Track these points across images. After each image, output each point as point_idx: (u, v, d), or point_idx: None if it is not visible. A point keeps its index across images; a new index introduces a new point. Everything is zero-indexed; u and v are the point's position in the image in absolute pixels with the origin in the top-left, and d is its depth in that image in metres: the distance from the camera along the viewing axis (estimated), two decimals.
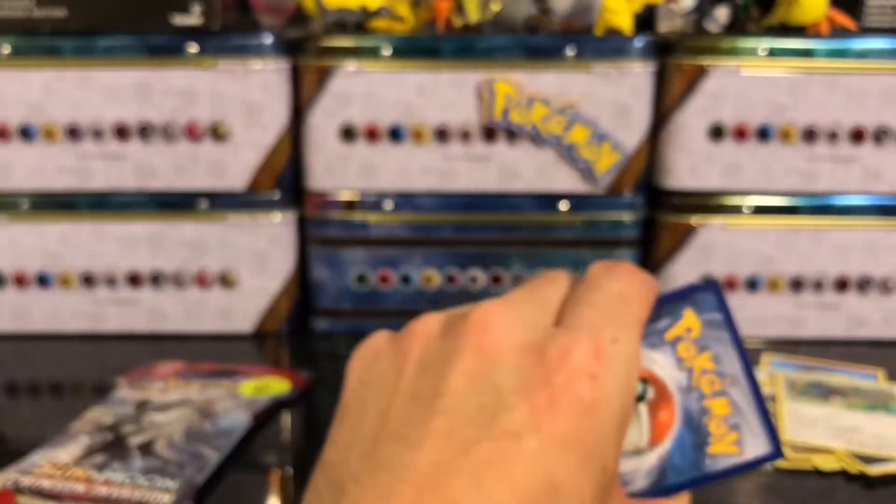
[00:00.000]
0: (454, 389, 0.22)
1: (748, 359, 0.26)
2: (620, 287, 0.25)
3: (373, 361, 0.25)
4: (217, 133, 0.70)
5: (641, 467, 0.26)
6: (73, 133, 0.70)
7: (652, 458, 0.26)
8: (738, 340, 0.26)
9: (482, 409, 0.22)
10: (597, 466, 0.22)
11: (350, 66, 0.69)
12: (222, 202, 0.71)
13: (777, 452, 0.25)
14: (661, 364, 0.26)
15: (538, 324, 0.24)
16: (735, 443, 0.26)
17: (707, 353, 0.26)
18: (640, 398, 0.26)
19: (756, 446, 0.25)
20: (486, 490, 0.21)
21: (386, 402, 0.23)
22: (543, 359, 0.22)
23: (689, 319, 0.27)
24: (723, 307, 0.27)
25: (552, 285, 0.26)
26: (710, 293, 0.27)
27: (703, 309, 0.27)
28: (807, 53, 0.68)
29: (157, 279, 0.72)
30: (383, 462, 0.22)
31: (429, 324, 0.25)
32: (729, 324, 0.26)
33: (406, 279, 0.73)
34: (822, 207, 0.71)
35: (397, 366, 0.24)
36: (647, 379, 0.26)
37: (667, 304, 0.27)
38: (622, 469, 0.25)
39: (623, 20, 0.69)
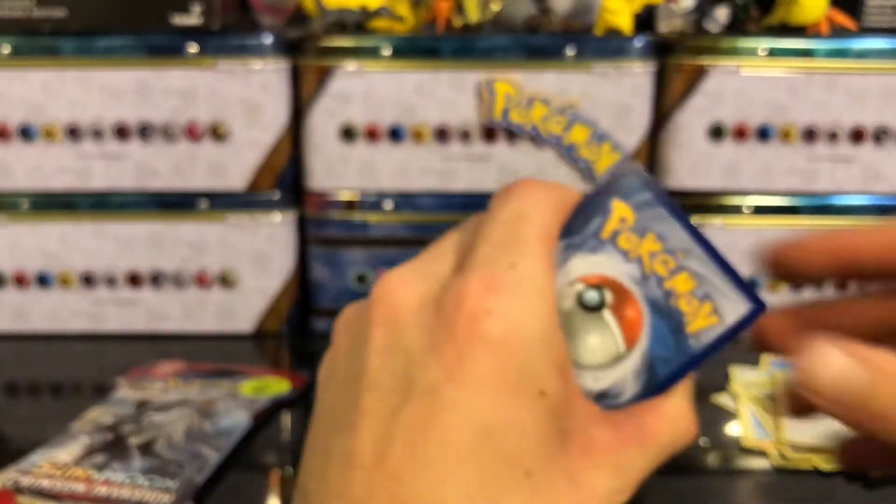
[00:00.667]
0: (372, 366, 0.23)
1: (693, 226, 0.25)
2: (516, 206, 0.25)
3: (327, 364, 0.26)
4: (217, 133, 0.70)
5: (627, 373, 0.25)
6: (73, 133, 0.70)
7: (635, 360, 0.25)
8: (676, 211, 0.25)
9: (399, 377, 0.22)
10: (530, 395, 0.22)
11: (350, 66, 0.69)
12: (222, 202, 0.71)
13: (759, 306, 0.24)
14: (608, 264, 0.25)
15: (436, 277, 0.24)
16: (712, 313, 0.24)
17: (649, 235, 0.25)
18: (600, 306, 0.25)
19: (735, 308, 0.24)
20: (420, 453, 0.21)
21: (331, 397, 0.24)
22: (441, 311, 0.23)
23: (620, 209, 0.25)
24: (649, 185, 0.25)
25: (456, 233, 0.26)
26: (631, 176, 0.25)
27: (630, 194, 0.25)
28: (807, 53, 0.68)
29: (156, 279, 0.72)
30: (332, 454, 0.23)
31: (347, 313, 0.26)
32: (661, 198, 0.25)
33: None
34: (822, 207, 0.71)
35: (334, 360, 0.25)
36: (599, 284, 0.25)
37: (592, 204, 0.25)
38: (607, 383, 0.25)
39: (623, 20, 0.69)
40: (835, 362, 0.23)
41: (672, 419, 0.24)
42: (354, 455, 0.22)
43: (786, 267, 0.28)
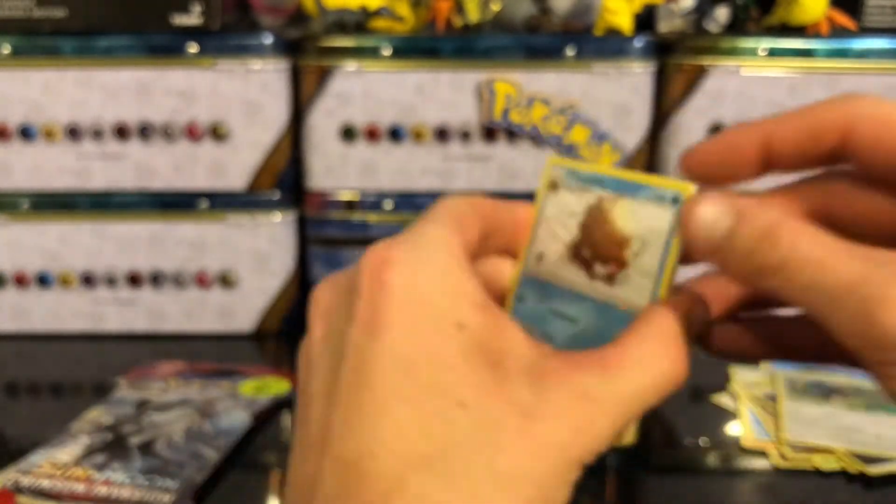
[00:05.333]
0: (315, 355, 0.25)
1: None
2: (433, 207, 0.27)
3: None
4: (217, 133, 0.70)
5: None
6: (73, 133, 0.70)
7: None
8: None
9: (334, 355, 0.24)
10: (446, 329, 0.23)
11: (350, 66, 0.69)
12: (222, 202, 0.71)
13: None
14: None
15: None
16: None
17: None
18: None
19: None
20: (355, 411, 0.22)
21: (298, 398, 0.26)
22: (353, 286, 0.24)
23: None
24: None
25: None
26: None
27: None
28: (807, 53, 0.68)
29: (157, 279, 0.72)
30: (294, 447, 0.24)
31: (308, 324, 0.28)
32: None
33: None
34: None
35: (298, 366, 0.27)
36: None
37: None
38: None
39: (623, 20, 0.69)
40: (707, 207, 0.26)
41: (639, 357, 0.25)
42: (305, 440, 0.24)
43: (712, 169, 0.28)
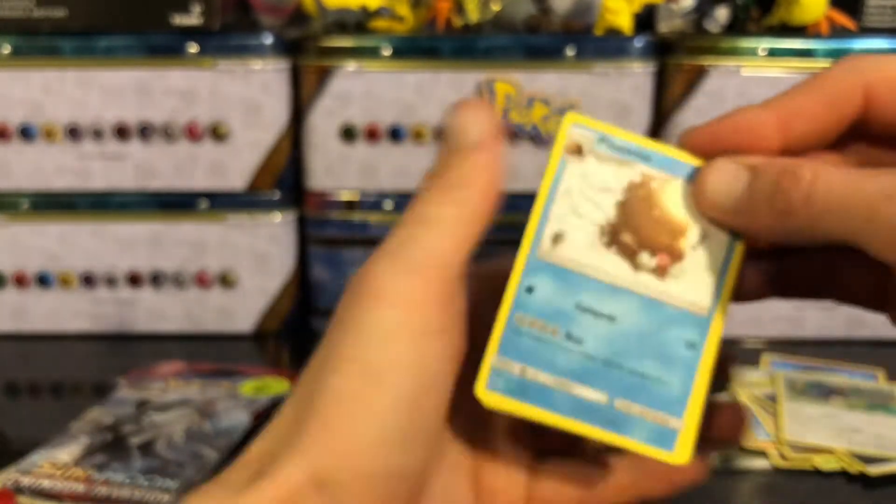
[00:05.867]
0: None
1: None
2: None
3: None
4: (217, 133, 0.70)
5: None
6: (73, 133, 0.70)
7: None
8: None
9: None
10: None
11: (350, 66, 0.69)
12: (222, 202, 0.71)
13: None
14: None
15: None
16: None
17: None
18: None
19: None
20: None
21: None
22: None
23: None
24: None
25: None
26: None
27: None
28: (807, 53, 0.68)
29: (157, 279, 0.72)
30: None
31: None
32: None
33: None
34: None
35: None
36: None
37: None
38: None
39: (623, 20, 0.69)
40: (720, 170, 0.24)
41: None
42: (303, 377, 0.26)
43: (719, 151, 0.26)
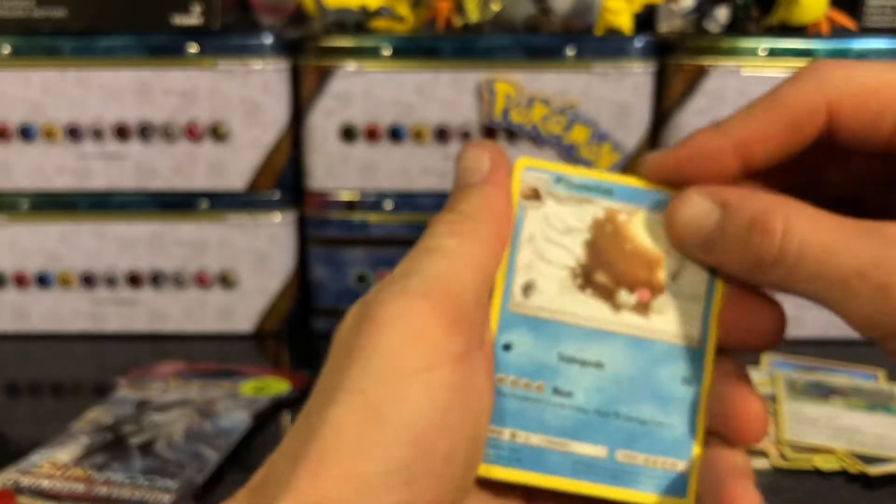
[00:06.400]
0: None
1: None
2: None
3: None
4: (217, 133, 0.70)
5: None
6: (73, 133, 0.70)
7: None
8: None
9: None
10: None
11: (350, 66, 0.69)
12: (222, 202, 0.71)
13: None
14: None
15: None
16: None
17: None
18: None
19: None
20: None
21: None
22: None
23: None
24: None
25: None
26: None
27: None
28: (807, 53, 0.68)
29: (157, 279, 0.72)
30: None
31: None
32: None
33: None
34: None
35: None
36: None
37: None
38: None
39: (623, 20, 0.69)
40: (691, 203, 0.24)
41: None
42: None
43: (678, 177, 0.25)
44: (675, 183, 0.25)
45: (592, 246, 0.24)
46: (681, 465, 0.24)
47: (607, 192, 0.24)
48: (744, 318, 0.25)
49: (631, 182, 0.25)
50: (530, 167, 0.25)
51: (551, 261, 0.24)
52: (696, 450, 0.24)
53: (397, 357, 0.22)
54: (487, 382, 0.24)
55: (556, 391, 0.24)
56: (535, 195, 0.25)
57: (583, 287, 0.24)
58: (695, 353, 0.24)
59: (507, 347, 0.24)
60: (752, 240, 0.22)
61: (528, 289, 0.24)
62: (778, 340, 0.25)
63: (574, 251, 0.24)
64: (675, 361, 0.24)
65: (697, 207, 0.24)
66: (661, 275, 0.24)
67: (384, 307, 0.23)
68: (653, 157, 0.25)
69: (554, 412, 0.24)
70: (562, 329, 0.24)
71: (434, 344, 0.22)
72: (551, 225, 0.24)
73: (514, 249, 0.24)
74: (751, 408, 0.24)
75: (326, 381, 0.24)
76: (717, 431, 0.25)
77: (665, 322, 0.24)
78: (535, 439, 0.24)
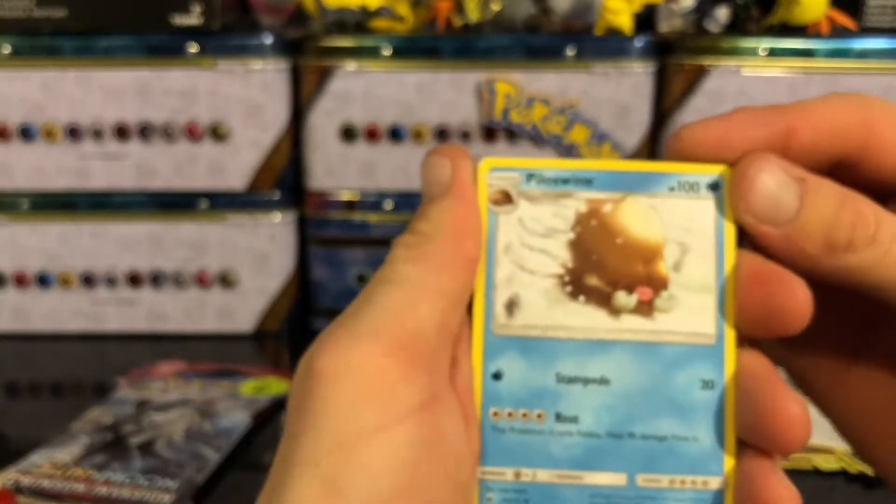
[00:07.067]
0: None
1: None
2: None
3: None
4: (217, 133, 0.70)
5: None
6: (73, 133, 0.70)
7: None
8: None
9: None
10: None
11: (350, 66, 0.69)
12: (222, 202, 0.71)
13: None
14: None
15: None
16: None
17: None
18: None
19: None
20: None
21: None
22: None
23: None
24: None
25: None
26: None
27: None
28: (807, 53, 0.68)
29: (157, 279, 0.72)
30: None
31: None
32: None
33: None
34: None
35: None
36: None
37: None
38: None
39: (623, 20, 0.69)
40: (767, 176, 0.21)
41: None
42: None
43: (711, 152, 0.22)
44: (708, 159, 0.22)
45: (578, 246, 0.21)
46: (713, 483, 0.21)
47: (586, 181, 0.21)
48: (768, 298, 0.21)
49: (611, 166, 0.22)
50: (496, 167, 0.22)
51: (534, 270, 0.21)
52: (728, 462, 0.21)
53: (349, 417, 0.20)
54: (462, 425, 0.21)
55: (560, 418, 0.21)
56: (505, 198, 0.21)
57: (574, 295, 0.21)
58: (712, 352, 0.21)
59: (496, 377, 0.21)
60: (843, 218, 0.20)
61: (511, 306, 0.21)
62: (807, 321, 0.21)
63: (558, 255, 0.21)
64: (690, 364, 0.21)
65: (774, 181, 0.21)
66: (662, 267, 0.21)
67: (329, 359, 0.20)
68: (692, 128, 0.22)
69: (560, 442, 0.21)
70: (556, 346, 0.21)
71: (389, 396, 0.20)
72: (528, 229, 0.21)
73: (490, 264, 0.21)
74: (788, 410, 0.21)
75: (283, 451, 0.22)
76: (750, 440, 0.21)
77: (673, 321, 0.21)
78: (543, 475, 0.21)
